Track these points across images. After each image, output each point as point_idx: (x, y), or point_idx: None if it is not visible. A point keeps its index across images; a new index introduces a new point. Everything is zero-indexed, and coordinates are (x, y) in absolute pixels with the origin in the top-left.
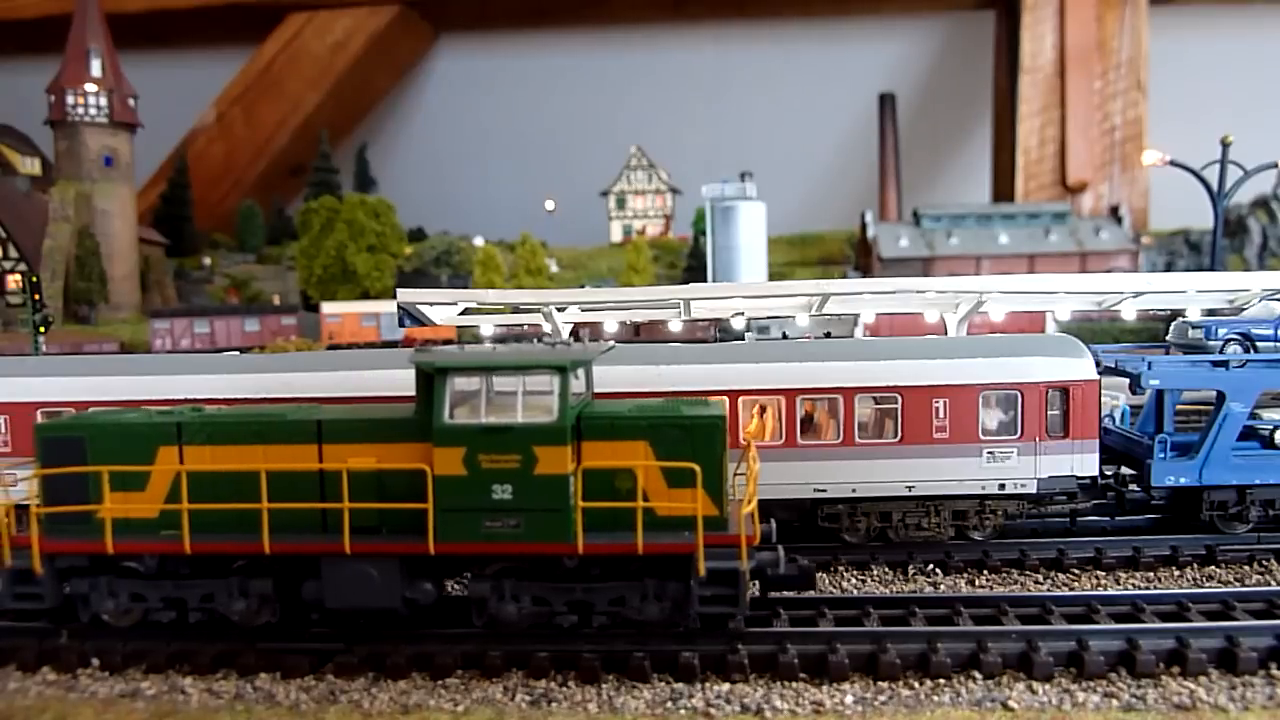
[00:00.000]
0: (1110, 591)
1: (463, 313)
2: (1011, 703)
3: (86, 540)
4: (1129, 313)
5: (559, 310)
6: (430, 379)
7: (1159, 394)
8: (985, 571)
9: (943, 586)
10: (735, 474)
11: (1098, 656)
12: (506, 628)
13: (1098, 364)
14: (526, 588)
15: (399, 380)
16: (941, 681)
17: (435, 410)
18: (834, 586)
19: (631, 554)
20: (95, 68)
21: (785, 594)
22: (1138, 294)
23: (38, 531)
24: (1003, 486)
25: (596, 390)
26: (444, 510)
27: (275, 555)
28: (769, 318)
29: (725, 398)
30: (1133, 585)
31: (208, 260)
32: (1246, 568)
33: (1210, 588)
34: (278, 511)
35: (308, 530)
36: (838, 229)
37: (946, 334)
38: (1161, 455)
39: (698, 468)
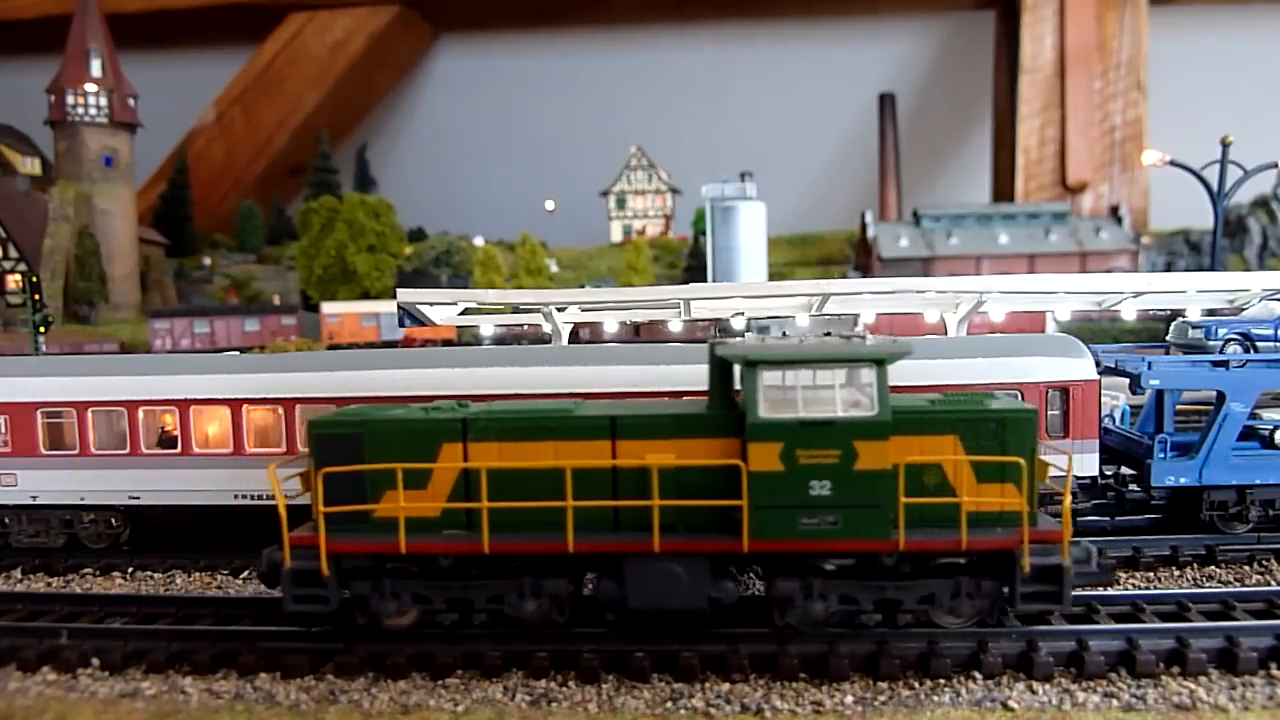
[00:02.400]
0: (1110, 591)
1: (463, 313)
2: (1011, 703)
3: (369, 540)
4: (1129, 313)
5: (559, 310)
6: (726, 372)
7: (1159, 394)
8: None
9: None
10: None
11: (1098, 656)
12: (810, 627)
13: (1098, 364)
14: (835, 586)
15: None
16: (941, 681)
17: (749, 405)
18: None
19: (953, 551)
20: (95, 68)
21: None
22: (1138, 294)
23: (324, 532)
24: None
25: (596, 390)
26: (758, 507)
27: (560, 555)
28: (769, 318)
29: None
30: (1132, 585)
31: (208, 260)
32: (1246, 568)
33: (1210, 588)
34: (566, 510)
35: (599, 529)
36: (838, 229)
37: (946, 334)
38: (1161, 455)
39: (1023, 462)
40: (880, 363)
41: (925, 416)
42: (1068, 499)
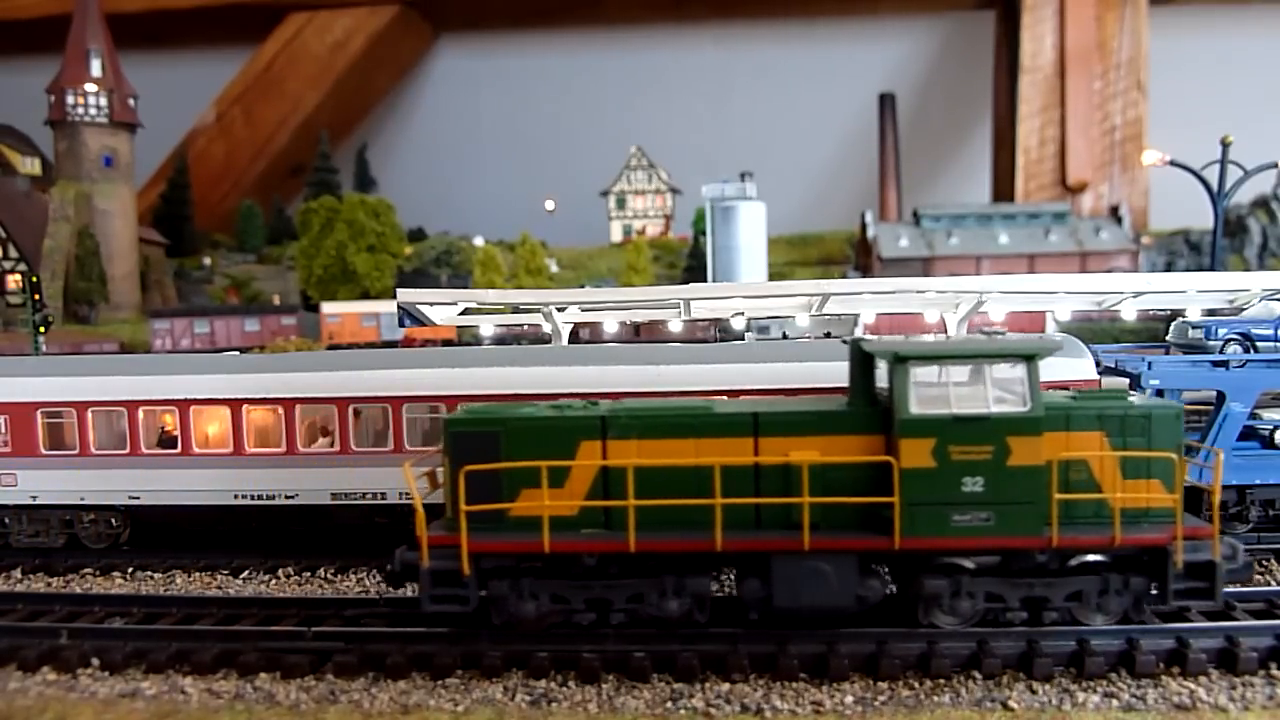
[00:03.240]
0: None
1: (463, 313)
2: (1011, 703)
3: (510, 539)
4: (1129, 313)
5: (559, 310)
6: (868, 368)
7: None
8: None
9: None
10: None
11: (1098, 656)
12: (958, 625)
13: (1098, 364)
14: (982, 584)
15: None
16: (941, 681)
17: (900, 401)
18: None
19: (1104, 548)
20: (95, 68)
21: None
22: (1138, 294)
23: (466, 531)
24: None
25: (595, 390)
26: (911, 504)
27: (704, 553)
28: (769, 318)
29: (725, 398)
30: None
31: (208, 260)
32: None
33: None
34: (711, 508)
35: (742, 526)
36: (838, 229)
37: (946, 334)
38: None
39: (1175, 458)
40: (1031, 358)
41: (1072, 412)
42: (1217, 495)
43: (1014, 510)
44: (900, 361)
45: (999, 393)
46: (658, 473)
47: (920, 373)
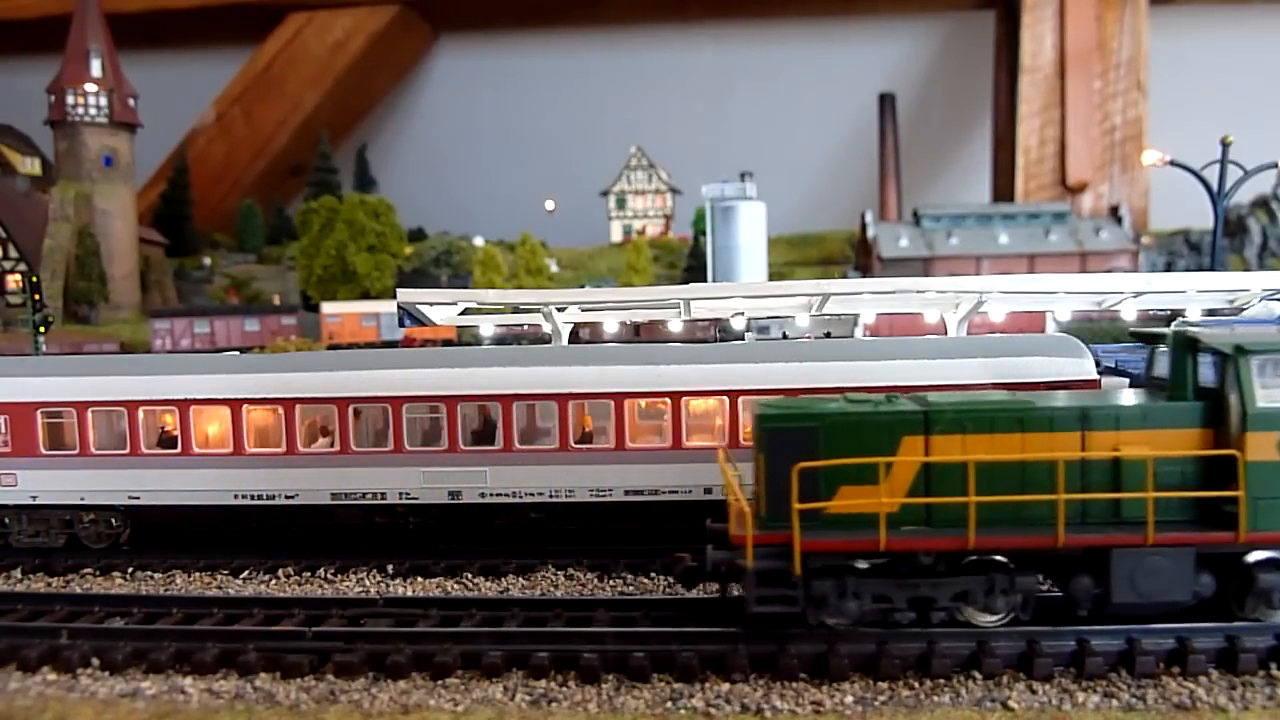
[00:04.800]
0: None
1: (463, 313)
2: (1011, 703)
3: (839, 537)
4: (1129, 313)
5: (559, 310)
6: (1194, 361)
7: None
8: None
9: None
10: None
11: (1098, 657)
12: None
13: (1098, 364)
14: None
15: None
16: (941, 681)
17: (1246, 394)
18: None
19: None
20: (95, 68)
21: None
22: (1138, 294)
23: (798, 530)
24: None
25: (595, 390)
26: (1257, 498)
27: (1031, 550)
28: (769, 318)
29: (725, 398)
30: None
31: (208, 260)
32: None
33: None
34: (1041, 504)
35: (1070, 522)
36: (838, 229)
37: (946, 334)
38: None
39: None
40: None
41: None
42: None
43: None
44: (1243, 354)
45: None
46: (982, 468)
47: (1264, 364)
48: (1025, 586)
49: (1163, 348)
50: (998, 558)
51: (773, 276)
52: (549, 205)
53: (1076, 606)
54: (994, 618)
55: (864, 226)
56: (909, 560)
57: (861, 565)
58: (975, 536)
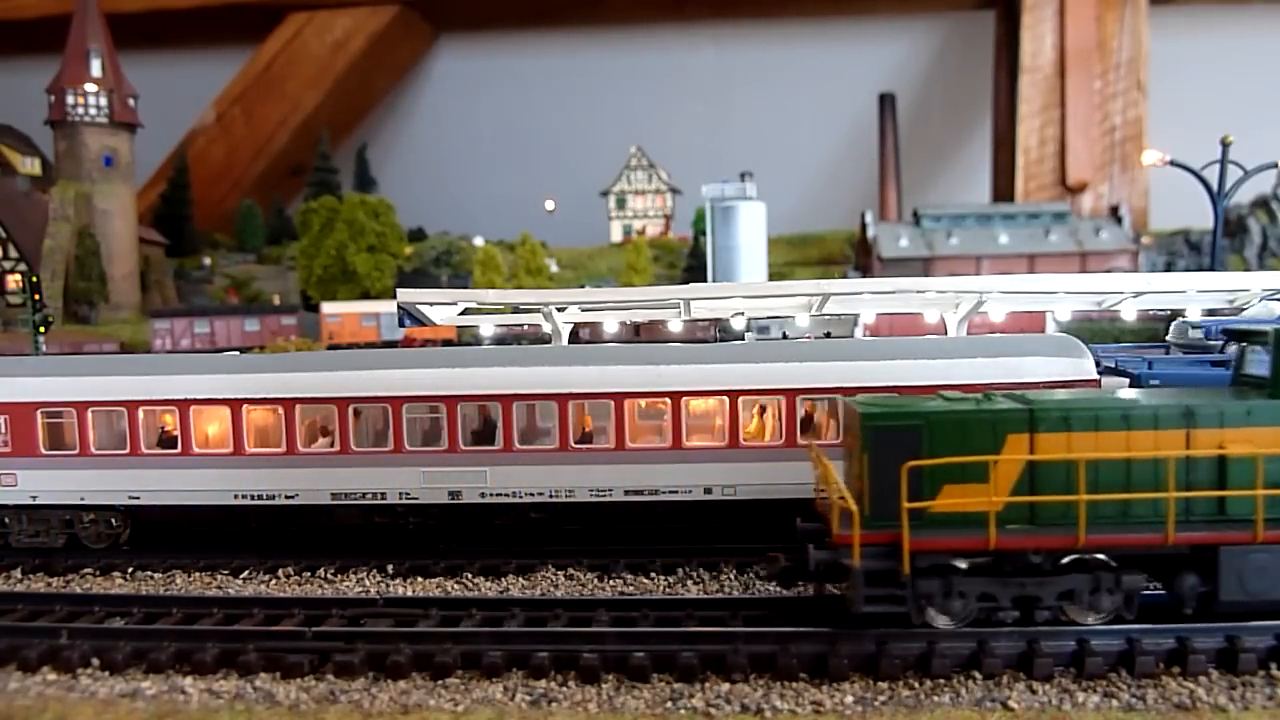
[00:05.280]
0: None
1: (463, 313)
2: (1011, 703)
3: (948, 536)
4: (1129, 313)
5: (559, 310)
6: None
7: None
8: None
9: None
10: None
11: (1098, 657)
12: None
13: (1098, 364)
14: None
15: None
16: (941, 681)
17: None
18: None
19: None
20: (95, 68)
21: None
22: (1138, 294)
23: (907, 529)
24: None
25: (595, 390)
26: None
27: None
28: (769, 318)
29: (725, 398)
30: None
31: (208, 260)
32: None
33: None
34: (1137, 502)
35: (1162, 520)
36: (838, 229)
37: (946, 334)
38: None
39: None
40: None
41: None
42: None
43: None
44: None
45: None
46: (1088, 466)
47: None
48: (1131, 585)
49: (1257, 346)
50: (1099, 556)
51: (773, 276)
52: (549, 205)
53: (1181, 605)
54: (1098, 617)
55: (864, 226)
56: (1014, 559)
57: (960, 565)
58: (1085, 535)
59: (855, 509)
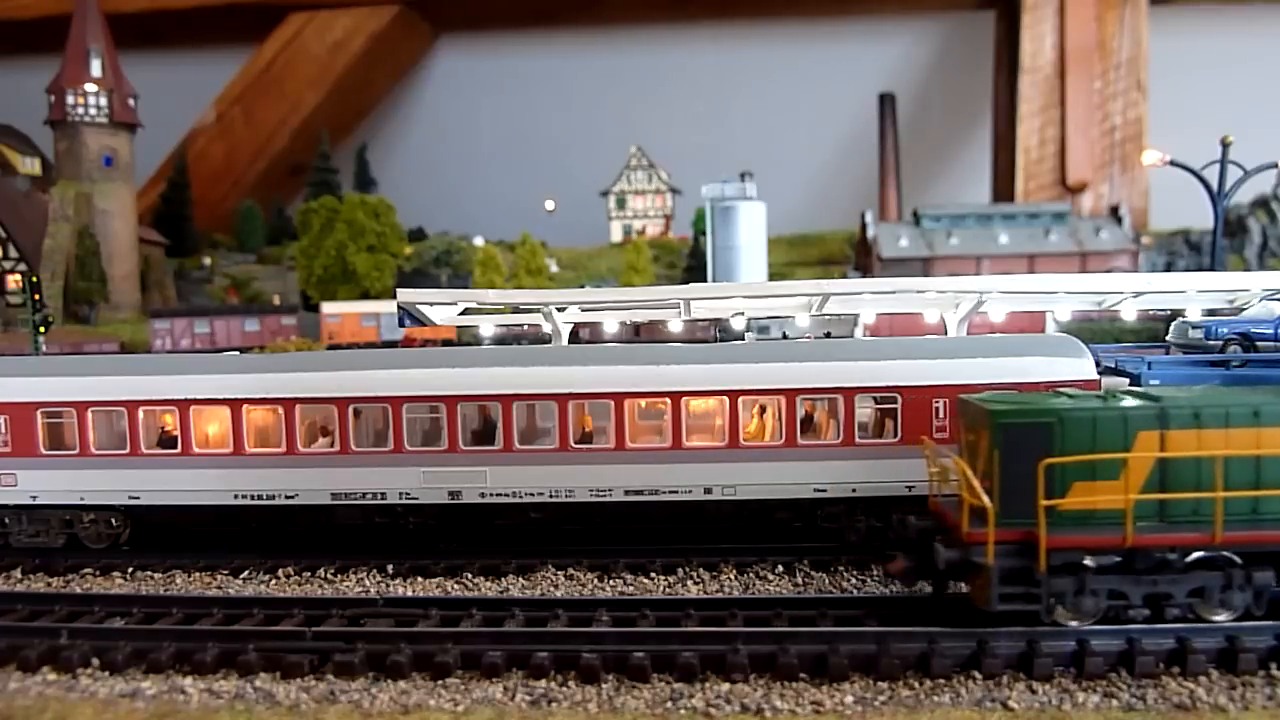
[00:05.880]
0: None
1: (463, 313)
2: (1011, 703)
3: (1074, 534)
4: (1129, 313)
5: (559, 310)
6: None
7: None
8: None
9: None
10: None
11: (1098, 657)
12: None
13: (1098, 364)
14: None
15: None
16: (941, 681)
17: None
18: (833, 586)
19: None
20: (95, 68)
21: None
22: (1138, 294)
23: (1044, 527)
24: None
25: (595, 390)
26: None
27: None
28: (769, 318)
29: (725, 397)
30: None
31: (208, 260)
32: None
33: None
34: (1270, 499)
35: None
36: (838, 229)
37: (946, 334)
38: None
39: None
40: None
41: None
42: None
43: None
44: None
45: None
46: (1206, 464)
47: None
48: (1262, 582)
49: None
50: (1226, 554)
51: (773, 276)
52: (549, 205)
53: None
54: (1229, 614)
55: (864, 226)
56: (1146, 557)
57: (1089, 563)
58: (1222, 533)
59: (990, 506)
